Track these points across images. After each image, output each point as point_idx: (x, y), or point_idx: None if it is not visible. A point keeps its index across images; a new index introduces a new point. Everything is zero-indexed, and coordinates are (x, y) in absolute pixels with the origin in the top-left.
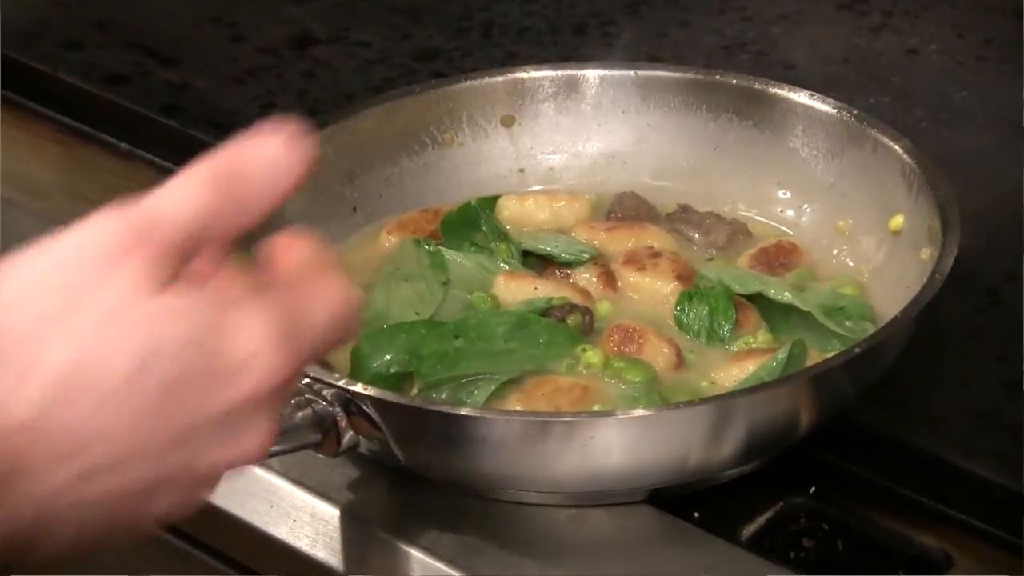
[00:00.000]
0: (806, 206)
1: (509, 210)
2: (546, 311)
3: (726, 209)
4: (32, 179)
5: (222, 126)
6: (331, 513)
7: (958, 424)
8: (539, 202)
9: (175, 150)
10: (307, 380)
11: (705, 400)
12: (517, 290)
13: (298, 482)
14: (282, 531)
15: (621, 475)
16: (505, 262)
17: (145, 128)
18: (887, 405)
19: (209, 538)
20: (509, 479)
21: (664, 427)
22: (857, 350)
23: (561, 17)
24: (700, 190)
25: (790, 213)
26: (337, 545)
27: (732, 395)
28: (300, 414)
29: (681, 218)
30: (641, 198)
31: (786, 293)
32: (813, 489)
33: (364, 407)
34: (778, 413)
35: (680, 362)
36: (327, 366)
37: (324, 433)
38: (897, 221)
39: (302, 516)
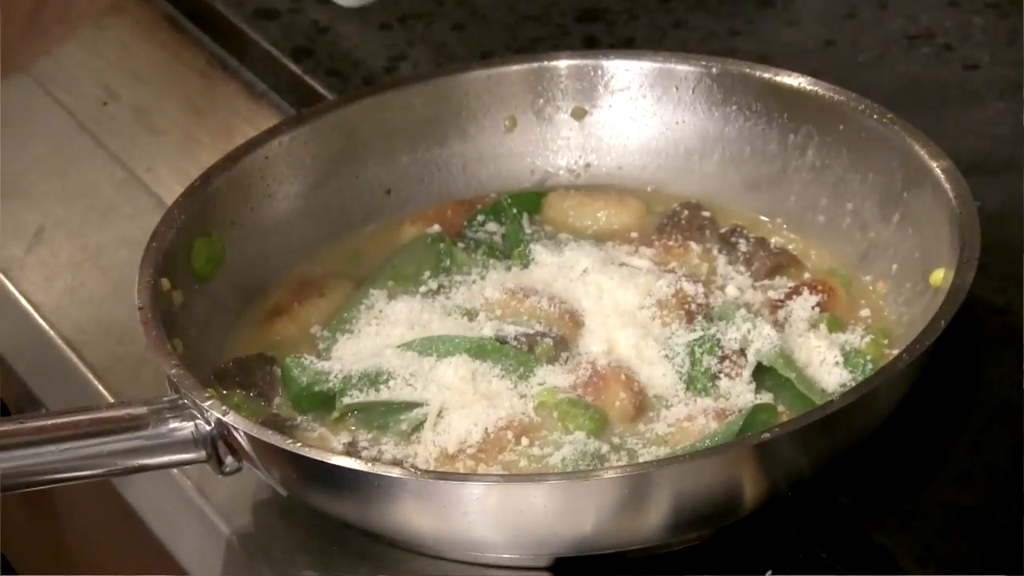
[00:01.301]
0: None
1: (554, 208)
2: (516, 337)
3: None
4: (156, 110)
5: (341, 75)
6: (220, 532)
7: (928, 524)
8: (581, 204)
9: (299, 96)
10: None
11: (579, 474)
12: (502, 307)
13: (202, 494)
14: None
15: (502, 542)
16: (519, 263)
17: (275, 70)
18: (862, 484)
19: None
20: (379, 529)
21: (543, 496)
22: (784, 427)
23: None
24: (766, 206)
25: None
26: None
27: (625, 468)
28: (180, 431)
29: (730, 242)
30: (700, 210)
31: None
32: (769, 573)
33: (236, 434)
34: (701, 487)
35: (637, 413)
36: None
37: (207, 451)
38: (938, 276)
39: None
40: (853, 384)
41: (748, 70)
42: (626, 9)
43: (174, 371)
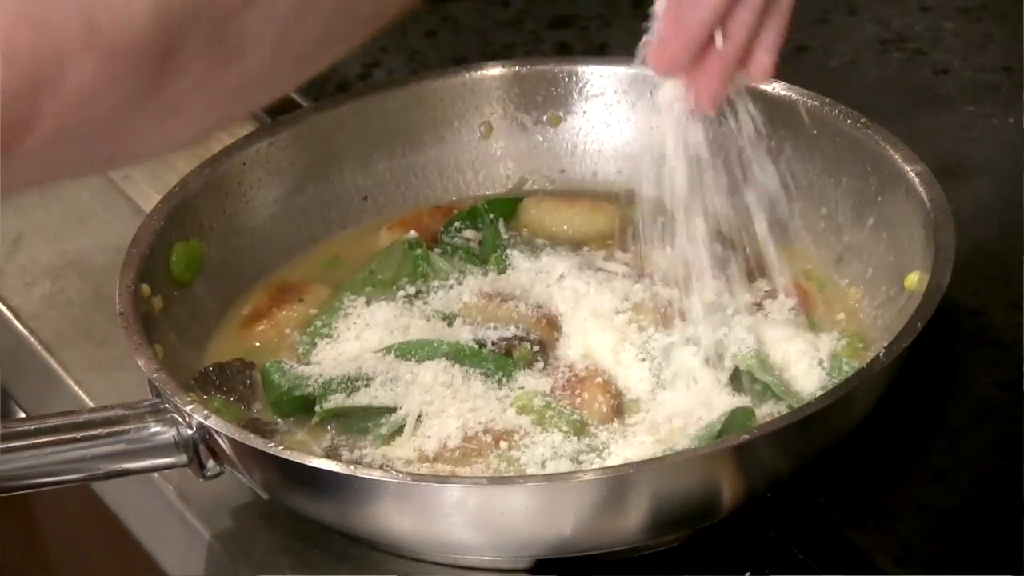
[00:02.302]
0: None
1: (529, 214)
2: (494, 341)
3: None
4: None
5: (315, 82)
6: (202, 536)
7: (906, 524)
8: (556, 209)
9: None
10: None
11: (552, 477)
12: (479, 312)
13: (183, 498)
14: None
15: (482, 544)
16: (495, 268)
17: None
18: (840, 485)
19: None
20: (360, 532)
21: (523, 498)
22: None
23: None
24: (740, 210)
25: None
26: (198, 571)
27: (599, 472)
28: (162, 435)
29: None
30: (676, 219)
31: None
32: (748, 575)
33: (217, 438)
34: (681, 489)
35: (615, 416)
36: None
37: (189, 455)
38: (912, 279)
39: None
40: (830, 386)
41: None
42: (598, 15)
43: (156, 375)
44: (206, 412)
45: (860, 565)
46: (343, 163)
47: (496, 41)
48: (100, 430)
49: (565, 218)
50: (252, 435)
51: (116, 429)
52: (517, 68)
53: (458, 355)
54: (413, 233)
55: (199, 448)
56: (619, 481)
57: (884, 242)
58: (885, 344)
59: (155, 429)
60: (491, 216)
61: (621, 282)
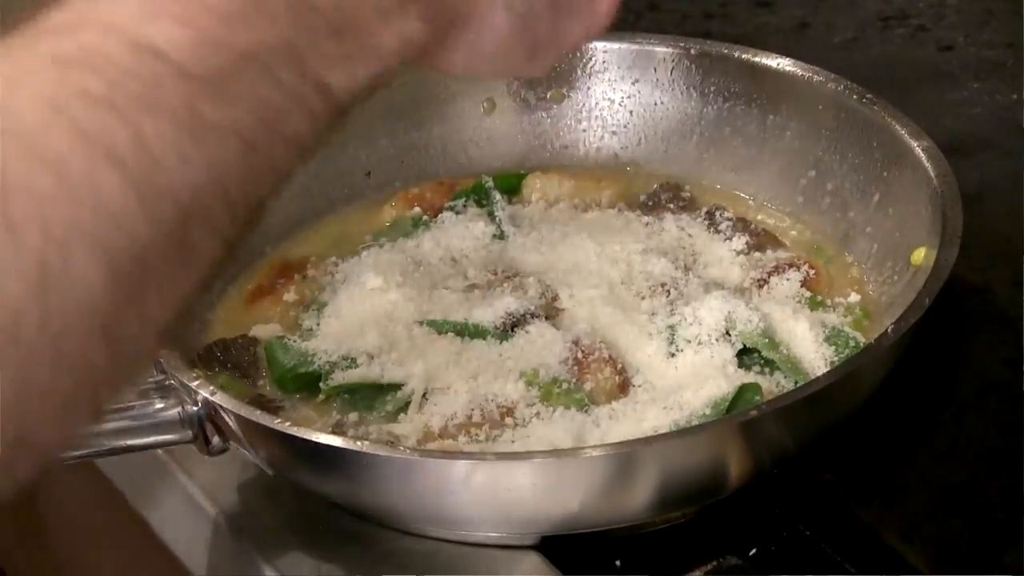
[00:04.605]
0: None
1: (534, 189)
2: (502, 317)
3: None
4: None
5: None
6: (207, 512)
7: (913, 501)
8: (561, 185)
9: None
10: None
11: (552, 454)
12: (485, 286)
13: (188, 473)
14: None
15: (489, 520)
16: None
17: None
18: (846, 462)
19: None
20: (366, 509)
21: (530, 474)
22: (763, 406)
23: None
24: (746, 185)
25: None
26: (203, 548)
27: (610, 447)
28: (167, 411)
29: (711, 221)
30: (680, 190)
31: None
32: (754, 551)
33: (223, 414)
34: (688, 465)
35: (621, 390)
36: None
37: (194, 432)
38: (919, 254)
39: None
40: (837, 363)
41: (726, 51)
42: None
43: (161, 352)
44: (212, 388)
45: (866, 541)
46: (346, 139)
47: None
48: None
49: (569, 193)
50: (258, 412)
51: (122, 406)
52: None
53: (463, 333)
54: (417, 209)
55: (204, 424)
56: (626, 457)
57: (890, 218)
58: (891, 320)
59: (160, 406)
60: (496, 192)
61: (627, 257)
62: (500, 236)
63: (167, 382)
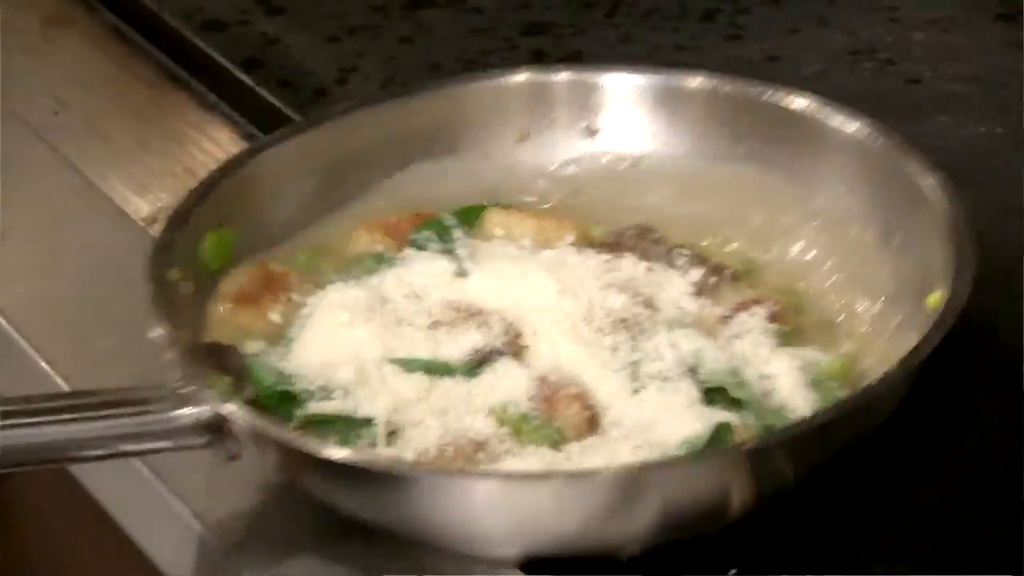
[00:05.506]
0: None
1: (494, 223)
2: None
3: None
4: (107, 120)
5: (292, 86)
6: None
7: (896, 524)
8: (522, 221)
9: (249, 107)
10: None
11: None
12: (448, 323)
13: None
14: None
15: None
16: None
17: (225, 81)
18: (834, 491)
19: None
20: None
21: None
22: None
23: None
24: (720, 219)
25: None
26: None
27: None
28: (185, 416)
29: (676, 258)
30: (652, 233)
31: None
32: (734, 572)
33: (239, 423)
34: (685, 495)
35: (591, 427)
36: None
37: (211, 437)
38: (935, 298)
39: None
40: (819, 398)
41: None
42: (572, 23)
43: (181, 358)
44: (232, 399)
45: (851, 565)
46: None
47: (472, 48)
48: (126, 409)
49: (531, 230)
50: (281, 429)
51: (141, 409)
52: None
53: (430, 370)
54: (380, 247)
55: (220, 430)
56: (636, 479)
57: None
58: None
59: (177, 412)
60: (455, 225)
61: (590, 293)
62: (461, 273)
63: (183, 389)
